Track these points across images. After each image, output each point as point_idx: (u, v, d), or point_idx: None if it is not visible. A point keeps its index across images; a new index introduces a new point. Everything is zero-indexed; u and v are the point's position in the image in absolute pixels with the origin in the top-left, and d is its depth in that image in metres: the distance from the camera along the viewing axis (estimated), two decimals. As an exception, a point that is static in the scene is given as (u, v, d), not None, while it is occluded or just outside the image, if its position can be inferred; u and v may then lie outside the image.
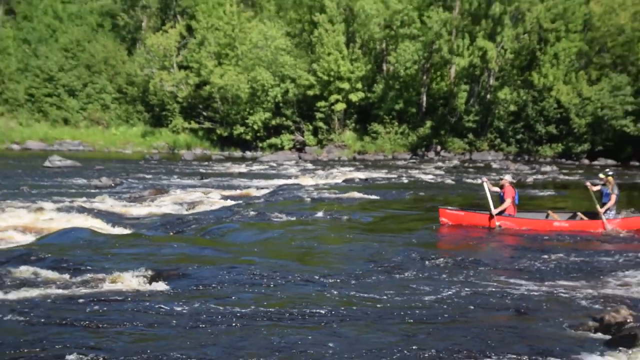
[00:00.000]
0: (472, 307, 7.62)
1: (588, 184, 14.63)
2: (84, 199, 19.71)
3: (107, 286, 9.54)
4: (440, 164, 39.99)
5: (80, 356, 6.06)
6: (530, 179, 29.18)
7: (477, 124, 45.87)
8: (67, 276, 9.87)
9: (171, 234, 14.73)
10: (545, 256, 10.92)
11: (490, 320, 7.10)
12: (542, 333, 6.86)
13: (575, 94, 42.98)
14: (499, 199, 14.36)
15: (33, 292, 9.09)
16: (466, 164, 40.25)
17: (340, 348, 6.44)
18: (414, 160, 42.97)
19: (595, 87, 42.42)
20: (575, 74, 43.78)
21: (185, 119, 50.56)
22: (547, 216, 14.81)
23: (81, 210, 17.23)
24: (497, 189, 14.68)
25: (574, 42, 44.33)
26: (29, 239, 13.90)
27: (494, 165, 38.76)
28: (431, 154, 45.32)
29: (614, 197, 14.10)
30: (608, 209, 14.07)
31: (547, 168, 35.78)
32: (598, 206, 14.02)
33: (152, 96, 51.76)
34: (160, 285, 9.48)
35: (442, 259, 10.70)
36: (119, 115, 53.38)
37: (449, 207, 15.28)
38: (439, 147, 46.48)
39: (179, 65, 51.98)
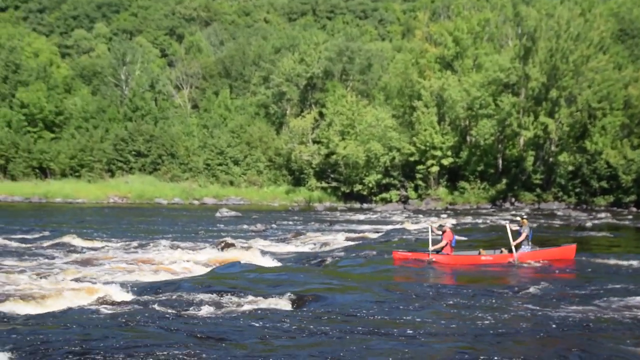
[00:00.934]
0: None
1: (507, 224, 16.35)
2: (244, 240, 22.72)
3: (263, 305, 11.28)
4: (514, 212, 41.78)
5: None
6: (589, 224, 30.20)
7: (542, 181, 50.02)
8: (232, 298, 11.75)
9: (308, 266, 16.66)
10: (466, 285, 12.97)
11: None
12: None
13: (622, 157, 47.86)
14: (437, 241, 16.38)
15: (207, 310, 11.01)
16: (535, 212, 42.82)
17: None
18: (493, 209, 46.63)
19: (637, 151, 47.54)
20: (620, 141, 48.81)
21: (318, 180, 56.62)
22: (479, 253, 16.58)
23: (242, 248, 20.09)
24: (439, 232, 16.53)
25: (617, 117, 49.41)
26: (205, 269, 16.17)
27: (558, 213, 41.58)
28: (507, 204, 49.79)
29: (523, 235, 15.89)
30: (521, 244, 15.94)
31: (602, 214, 38.11)
32: (512, 242, 15.78)
33: (293, 163, 58.83)
34: (302, 307, 11.07)
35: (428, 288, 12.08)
36: (269, 178, 60.08)
37: (400, 250, 17.41)
38: (513, 199, 50.55)
39: (313, 140, 58.37)
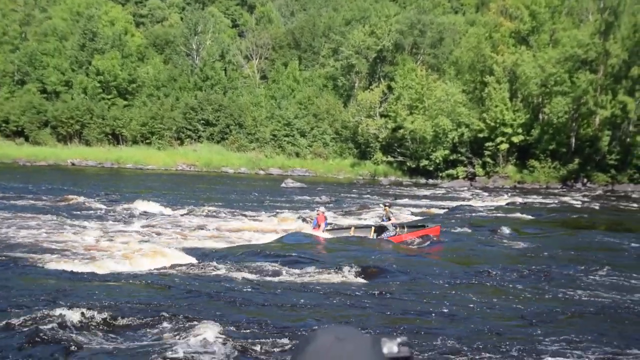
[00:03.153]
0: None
1: (384, 208, 18.22)
2: (308, 211, 23.45)
3: (326, 276, 11.46)
4: (586, 193, 41.80)
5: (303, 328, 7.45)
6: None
7: (618, 162, 48.31)
8: (295, 268, 11.94)
9: (372, 239, 16.94)
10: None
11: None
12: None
13: (701, 139, 45.47)
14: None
15: (270, 278, 11.23)
16: (608, 194, 42.17)
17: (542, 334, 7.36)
18: (564, 189, 45.63)
19: None
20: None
21: (384, 154, 56.05)
22: (351, 230, 18.12)
23: (307, 219, 20.53)
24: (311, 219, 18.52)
25: (698, 99, 46.63)
26: (270, 238, 16.69)
27: (633, 195, 41.15)
28: (578, 185, 48.50)
29: (392, 219, 17.79)
30: (386, 228, 17.63)
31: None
32: (380, 223, 18.00)
33: (359, 136, 58.19)
34: (366, 279, 11.24)
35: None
36: (335, 150, 59.93)
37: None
38: (585, 179, 49.11)
39: (380, 114, 57.76)
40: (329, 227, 18.43)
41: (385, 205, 18.28)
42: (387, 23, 63.23)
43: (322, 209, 18.81)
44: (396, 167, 56.61)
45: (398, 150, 56.56)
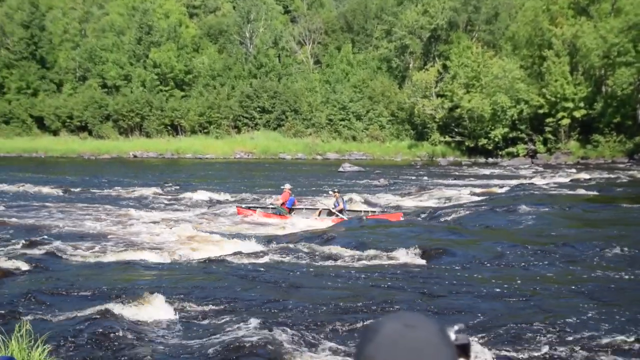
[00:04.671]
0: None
1: (334, 194, 18.72)
2: (367, 194, 23.57)
3: (387, 259, 11.50)
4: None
5: (363, 311, 7.60)
6: None
7: None
8: (357, 251, 12.08)
9: (432, 221, 16.83)
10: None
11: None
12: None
13: None
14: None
15: (331, 262, 11.34)
16: None
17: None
18: (631, 163, 44.15)
19: None
20: None
21: (441, 134, 55.63)
22: (319, 214, 18.88)
23: (365, 202, 20.71)
24: (279, 197, 19.14)
25: None
26: (330, 222, 17.11)
27: None
28: None
29: (340, 206, 18.35)
30: (337, 212, 18.33)
31: None
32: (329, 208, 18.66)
33: (416, 117, 57.78)
34: (427, 261, 11.25)
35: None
36: (391, 133, 59.63)
37: (243, 205, 20.00)
38: None
39: (437, 94, 56.89)
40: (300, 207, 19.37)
41: (334, 192, 18.61)
42: (441, 1, 62.02)
43: (287, 185, 19.25)
44: (454, 147, 56.19)
45: (456, 130, 55.99)
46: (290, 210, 19.07)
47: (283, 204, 18.76)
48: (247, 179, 34.01)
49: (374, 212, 18.82)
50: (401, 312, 1.33)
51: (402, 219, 17.72)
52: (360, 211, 18.93)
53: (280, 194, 19.18)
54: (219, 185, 28.72)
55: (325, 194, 23.07)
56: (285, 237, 14.89)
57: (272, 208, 19.23)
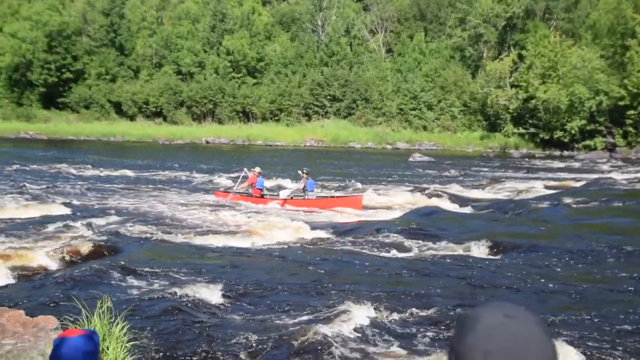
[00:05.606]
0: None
1: (302, 174, 18.93)
2: (437, 185, 23.13)
3: (458, 251, 11.41)
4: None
5: (424, 304, 7.56)
6: None
7: None
8: (427, 242, 12.04)
9: (504, 214, 16.42)
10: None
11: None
12: None
13: None
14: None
15: (401, 252, 11.35)
16: None
17: None
18: None
19: None
20: None
21: (515, 125, 54.25)
22: (290, 197, 19.09)
23: (435, 193, 20.23)
24: (247, 176, 19.73)
25: None
26: (400, 213, 16.62)
27: None
28: None
29: (300, 186, 18.92)
30: (297, 192, 19.04)
31: None
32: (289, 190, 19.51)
33: (489, 108, 56.53)
34: (499, 254, 11.13)
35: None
36: (463, 123, 58.79)
37: (220, 190, 20.97)
38: None
39: (511, 84, 55.58)
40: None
41: (303, 172, 18.91)
42: (518, -12, 60.55)
43: (257, 168, 19.75)
44: (528, 139, 54.73)
45: (530, 121, 54.52)
46: (262, 194, 19.60)
47: (252, 186, 19.33)
48: (319, 166, 34.07)
49: (333, 196, 19.38)
50: (498, 302, 1.33)
51: (362, 204, 18.11)
52: (327, 196, 19.47)
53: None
54: (292, 172, 29.13)
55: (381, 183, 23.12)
56: (354, 225, 14.90)
57: (235, 192, 19.78)
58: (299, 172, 19.37)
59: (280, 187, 22.49)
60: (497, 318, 1.25)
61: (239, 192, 19.55)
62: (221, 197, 19.74)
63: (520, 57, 57.31)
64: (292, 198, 18.87)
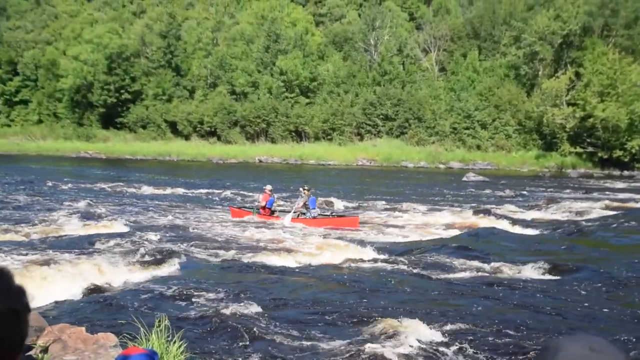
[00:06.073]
0: None
1: (304, 191, 18.86)
2: (494, 205, 23.03)
3: (514, 273, 11.30)
4: None
5: (448, 319, 7.64)
6: None
7: None
8: (482, 263, 11.97)
9: (562, 235, 16.20)
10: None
11: None
12: None
13: None
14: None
15: (454, 273, 11.21)
16: None
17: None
18: None
19: None
20: None
21: (572, 145, 53.36)
22: (298, 215, 18.80)
23: (490, 214, 19.99)
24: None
25: None
26: (454, 233, 16.71)
27: None
28: None
29: (301, 203, 18.77)
30: (299, 211, 18.76)
31: None
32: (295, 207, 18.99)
33: (544, 127, 54.96)
34: (557, 277, 10.92)
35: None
36: (518, 142, 57.81)
37: (235, 206, 20.82)
38: None
39: (567, 102, 54.65)
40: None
41: (304, 189, 18.93)
42: (574, 5, 59.47)
43: (268, 186, 19.89)
44: (586, 159, 53.76)
45: (588, 140, 53.49)
46: (272, 211, 19.79)
47: (264, 206, 19.53)
48: (372, 185, 34.05)
49: (327, 215, 19.53)
50: (584, 334, 1.32)
51: (359, 225, 18.20)
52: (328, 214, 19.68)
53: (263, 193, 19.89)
54: (343, 192, 29.23)
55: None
56: (407, 245, 14.79)
57: (255, 208, 19.94)
58: (300, 188, 19.47)
59: (328, 204, 22.91)
60: (583, 350, 1.24)
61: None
62: (239, 215, 19.75)
63: (577, 75, 56.52)
64: (298, 216, 18.87)
